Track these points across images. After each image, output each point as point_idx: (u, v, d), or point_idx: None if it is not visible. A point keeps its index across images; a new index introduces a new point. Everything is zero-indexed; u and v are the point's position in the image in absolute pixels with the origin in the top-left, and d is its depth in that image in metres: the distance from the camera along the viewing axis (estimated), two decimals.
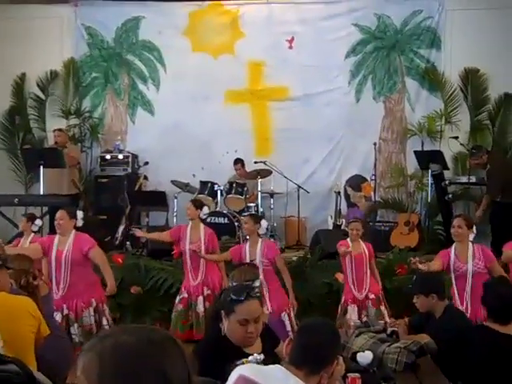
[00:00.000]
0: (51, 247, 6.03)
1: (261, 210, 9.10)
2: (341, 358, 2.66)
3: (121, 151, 10.14)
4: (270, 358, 3.05)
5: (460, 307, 5.43)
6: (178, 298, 6.74)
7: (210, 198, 9.08)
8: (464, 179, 9.11)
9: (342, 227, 8.50)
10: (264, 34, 10.47)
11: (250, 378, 2.44)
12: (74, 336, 5.89)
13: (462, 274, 5.68)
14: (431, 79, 10.19)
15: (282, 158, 9.80)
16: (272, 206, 9.41)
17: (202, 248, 6.72)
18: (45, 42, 10.48)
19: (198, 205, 6.93)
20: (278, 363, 2.71)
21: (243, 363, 2.78)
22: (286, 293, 6.33)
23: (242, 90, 10.49)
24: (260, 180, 9.26)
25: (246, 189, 9.18)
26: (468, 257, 5.70)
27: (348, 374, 3.29)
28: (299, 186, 9.54)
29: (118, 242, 8.45)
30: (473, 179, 8.86)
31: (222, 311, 3.28)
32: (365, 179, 9.83)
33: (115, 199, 9.44)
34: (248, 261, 6.25)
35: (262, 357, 2.93)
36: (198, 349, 3.36)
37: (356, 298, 6.39)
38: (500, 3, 9.84)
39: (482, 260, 5.67)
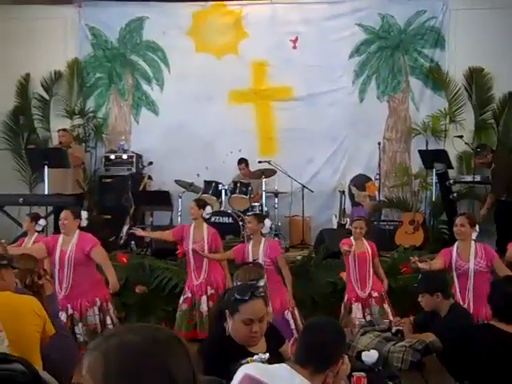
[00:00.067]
0: (55, 247, 6.04)
1: (265, 209, 9.10)
2: (346, 357, 2.65)
3: (125, 151, 10.15)
4: (275, 357, 3.05)
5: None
6: (181, 298, 6.75)
7: (215, 198, 9.09)
8: (469, 178, 9.10)
9: (347, 226, 8.49)
10: (267, 34, 10.48)
11: (255, 376, 2.45)
12: (78, 335, 5.89)
13: (463, 272, 5.68)
14: (435, 78, 10.19)
15: (286, 158, 9.81)
16: (276, 206, 9.41)
17: (206, 247, 6.72)
18: (49, 42, 10.50)
19: (201, 204, 6.93)
20: (283, 362, 2.71)
21: (248, 362, 2.78)
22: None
23: (246, 90, 10.49)
24: (264, 180, 9.27)
25: (250, 188, 9.19)
26: (470, 255, 5.69)
27: (353, 373, 3.29)
28: (303, 186, 9.53)
29: (122, 242, 8.45)
30: (477, 178, 8.85)
31: (227, 311, 3.29)
32: (369, 179, 9.82)
33: (119, 199, 9.45)
34: (251, 260, 6.25)
35: (266, 356, 2.93)
36: (203, 348, 3.35)
37: (359, 296, 6.38)
38: (504, 3, 9.82)
39: (484, 259, 5.66)
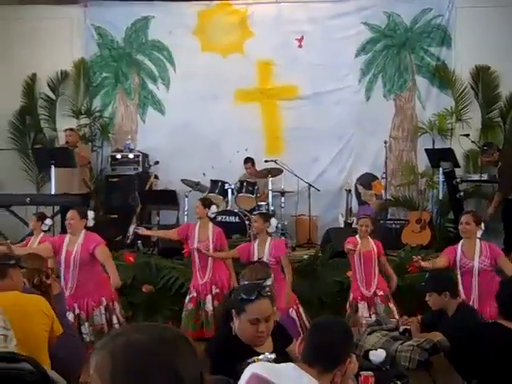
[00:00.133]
0: (61, 247, 6.06)
1: (272, 208, 9.09)
2: (354, 357, 2.65)
3: (131, 150, 10.16)
4: (282, 356, 3.04)
5: None
6: (187, 298, 6.75)
7: (221, 197, 9.09)
8: (476, 177, 9.07)
9: (353, 225, 8.47)
10: (273, 33, 10.48)
11: (262, 376, 2.44)
12: (84, 335, 5.91)
13: (468, 270, 5.66)
14: (442, 77, 10.17)
15: (292, 157, 9.80)
16: (283, 205, 9.39)
17: (211, 247, 6.72)
18: (55, 42, 10.52)
19: (207, 203, 6.92)
20: (290, 362, 2.71)
21: (254, 361, 2.78)
22: (293, 290, 6.31)
23: (252, 89, 10.49)
24: (270, 179, 9.26)
25: (256, 187, 9.19)
26: (475, 253, 5.67)
27: (361, 373, 3.28)
28: (310, 185, 9.52)
29: (129, 241, 8.46)
30: (484, 177, 8.82)
31: (233, 310, 3.28)
32: (375, 177, 9.80)
33: (126, 198, 9.45)
34: (256, 259, 6.25)
35: (273, 356, 2.92)
36: (209, 348, 3.35)
37: (364, 295, 6.37)
38: (509, 0, 9.79)
39: (489, 257, 5.64)
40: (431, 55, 10.30)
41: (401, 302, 6.46)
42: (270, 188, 9.25)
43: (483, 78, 9.97)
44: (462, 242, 5.80)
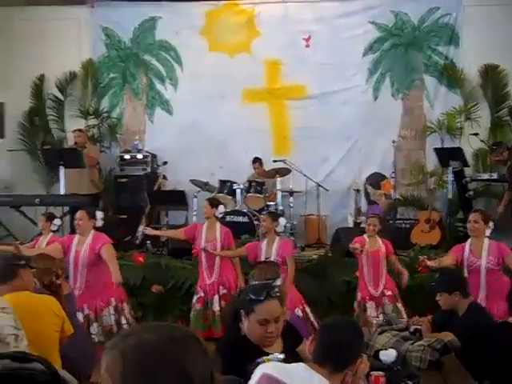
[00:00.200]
0: (70, 247, 6.08)
1: (280, 208, 9.08)
2: (365, 357, 2.64)
3: (139, 151, 10.16)
4: (292, 356, 3.04)
5: None
6: (194, 298, 6.74)
7: (230, 197, 9.08)
8: (485, 176, 9.04)
9: (362, 225, 8.46)
10: (280, 33, 10.47)
11: (273, 375, 2.44)
12: (93, 336, 5.93)
13: (475, 269, 5.63)
14: (450, 76, 10.13)
15: (300, 157, 9.78)
16: (292, 205, 9.38)
17: (218, 247, 6.71)
18: (63, 43, 10.54)
19: (214, 203, 6.92)
20: (300, 362, 2.70)
21: (264, 361, 2.78)
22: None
23: (259, 89, 10.49)
24: (279, 179, 9.25)
25: (264, 187, 9.18)
26: (482, 252, 5.64)
27: (371, 373, 3.26)
28: (318, 185, 9.51)
29: (138, 242, 8.48)
30: (494, 176, 8.79)
31: (242, 311, 3.27)
32: (384, 177, 9.77)
33: (135, 199, 9.49)
34: (263, 258, 6.25)
35: (282, 356, 2.92)
36: (218, 348, 3.35)
37: (372, 295, 6.35)
38: None
39: (496, 256, 5.61)
40: (439, 54, 10.27)
41: (411, 301, 6.44)
42: (278, 188, 9.24)
43: (492, 76, 9.94)
44: (470, 240, 5.78)
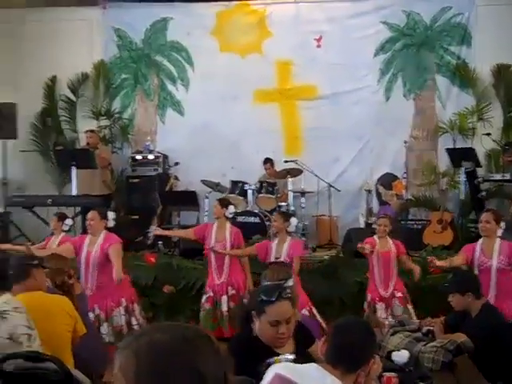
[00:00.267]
0: (82, 247, 6.10)
1: (292, 208, 9.06)
2: (377, 357, 2.63)
3: (151, 151, 10.18)
4: (303, 357, 3.03)
5: None
6: (203, 298, 6.74)
7: (241, 198, 9.08)
8: (498, 176, 8.97)
9: (374, 226, 8.44)
10: (291, 33, 10.46)
11: (285, 376, 2.44)
12: (104, 336, 5.94)
13: (486, 269, 5.60)
14: (462, 76, 10.08)
15: (312, 157, 9.76)
16: (303, 205, 9.37)
17: (228, 246, 6.71)
18: (75, 44, 10.57)
19: (224, 203, 6.92)
20: (313, 362, 2.69)
21: (275, 361, 2.77)
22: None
23: (271, 90, 10.48)
24: (290, 179, 9.24)
25: (276, 188, 9.17)
26: (493, 252, 5.61)
27: (384, 374, 3.26)
28: (330, 185, 9.50)
29: (149, 242, 8.50)
30: (507, 176, 8.71)
31: (253, 312, 3.27)
32: (396, 177, 9.74)
33: (146, 199, 9.51)
34: (273, 258, 6.24)
35: (291, 357, 2.90)
36: (230, 348, 3.34)
37: (382, 296, 6.32)
38: None
39: (507, 257, 5.58)
40: (451, 54, 10.22)
41: (423, 302, 6.42)
42: (289, 188, 9.23)
43: (504, 76, 9.89)
44: (481, 240, 5.75)
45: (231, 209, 6.90)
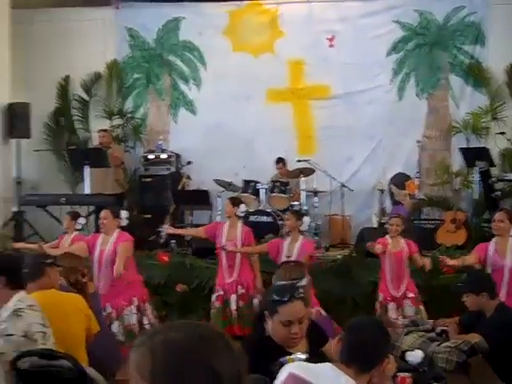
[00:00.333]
0: (95, 246, 6.13)
1: (305, 208, 9.06)
2: (392, 357, 2.62)
3: (163, 151, 10.20)
4: (316, 356, 3.02)
5: None
6: (213, 296, 6.75)
7: (253, 197, 9.08)
8: None
9: (386, 225, 8.41)
10: (304, 33, 10.44)
11: (299, 375, 2.43)
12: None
13: (498, 268, 5.59)
14: (476, 75, 10.02)
15: (325, 157, 9.76)
16: (316, 205, 9.35)
17: (238, 246, 6.72)
18: (88, 44, 10.60)
19: (236, 202, 6.92)
20: (326, 362, 2.69)
21: (288, 361, 2.76)
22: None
23: (283, 89, 10.47)
24: (303, 178, 9.23)
25: (289, 187, 9.17)
26: (507, 251, 5.58)
27: (398, 374, 3.24)
28: (343, 185, 9.49)
29: (162, 241, 8.52)
30: None
31: (266, 311, 3.26)
32: (409, 177, 9.70)
33: (159, 198, 9.53)
34: (284, 257, 6.24)
35: (304, 356, 2.89)
36: (243, 348, 3.33)
37: (393, 296, 6.30)
38: None
39: None
40: (465, 53, 10.17)
41: (437, 302, 6.38)
42: (302, 188, 9.22)
43: None
44: (494, 239, 5.73)
45: (242, 207, 6.90)
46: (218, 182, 9.41)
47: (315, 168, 9.33)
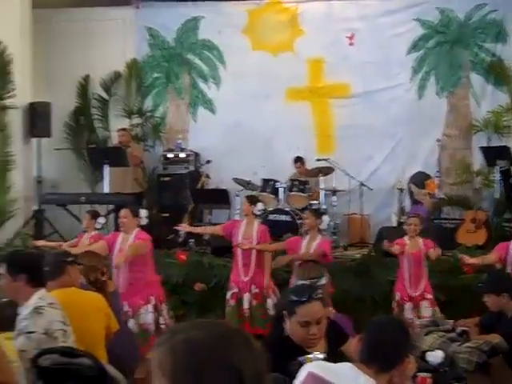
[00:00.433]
0: (114, 245, 6.15)
1: (324, 207, 9.04)
2: (412, 357, 2.60)
3: (182, 150, 10.23)
4: (335, 356, 3.01)
5: None
6: (228, 294, 6.74)
7: (272, 196, 9.08)
8: None
9: (404, 226, 8.36)
10: (324, 31, 10.42)
11: (319, 375, 2.43)
12: None
13: None
14: (497, 73, 9.93)
15: (344, 155, 9.74)
16: (335, 204, 9.33)
17: (254, 244, 6.70)
18: (108, 43, 10.68)
19: (253, 201, 6.91)
20: (345, 361, 2.67)
21: (306, 360, 2.76)
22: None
23: (303, 88, 10.45)
24: (322, 177, 9.21)
25: (308, 186, 9.15)
26: None
27: (418, 374, 3.21)
28: (362, 184, 9.45)
29: (181, 240, 8.54)
30: None
31: (284, 312, 3.26)
32: (428, 176, 9.63)
33: (178, 197, 9.55)
34: None
35: (321, 356, 2.88)
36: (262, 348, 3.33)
37: (411, 296, 6.27)
38: None
39: None
40: (486, 51, 10.08)
41: (456, 302, 6.33)
42: (321, 187, 9.21)
43: None
44: None
45: (259, 206, 6.88)
46: (237, 181, 9.41)
47: (334, 167, 9.31)
